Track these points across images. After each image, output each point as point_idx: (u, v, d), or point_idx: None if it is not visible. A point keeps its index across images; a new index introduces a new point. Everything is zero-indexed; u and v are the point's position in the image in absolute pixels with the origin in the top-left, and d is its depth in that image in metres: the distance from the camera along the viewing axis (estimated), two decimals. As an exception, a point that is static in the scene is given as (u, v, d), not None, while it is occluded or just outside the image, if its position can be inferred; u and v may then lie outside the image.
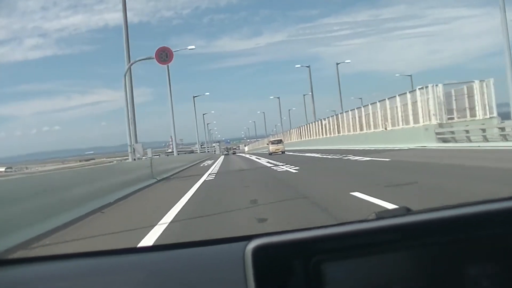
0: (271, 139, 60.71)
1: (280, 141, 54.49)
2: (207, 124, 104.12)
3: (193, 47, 34.20)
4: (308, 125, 63.95)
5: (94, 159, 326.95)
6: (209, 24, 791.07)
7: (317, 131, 56.76)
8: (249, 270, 0.90)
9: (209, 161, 42.93)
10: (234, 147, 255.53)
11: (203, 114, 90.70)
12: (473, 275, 0.92)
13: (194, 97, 66.14)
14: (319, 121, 56.62)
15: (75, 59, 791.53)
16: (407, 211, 1.03)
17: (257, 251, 0.91)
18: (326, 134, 52.85)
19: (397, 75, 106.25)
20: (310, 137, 60.18)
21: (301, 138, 66.59)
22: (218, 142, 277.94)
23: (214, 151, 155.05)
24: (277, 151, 48.96)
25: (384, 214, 1.04)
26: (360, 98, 75.61)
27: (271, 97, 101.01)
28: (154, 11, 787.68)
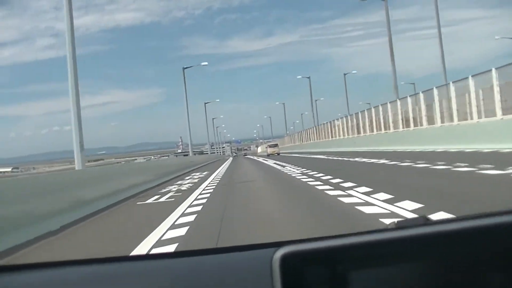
0: (269, 143, 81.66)
1: (276, 145, 74.86)
2: (217, 127, 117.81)
3: (206, 63, 45.61)
4: (320, 126, 66.36)
5: (103, 159, 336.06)
6: (221, 24, 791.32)
7: (338, 131, 54.99)
8: (277, 278, 0.93)
9: (197, 173, 27.32)
10: (245, 148, 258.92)
11: (213, 119, 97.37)
12: (491, 284, 0.96)
13: (205, 103, 74.84)
14: (340, 120, 55.25)
15: (86, 59, 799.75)
16: (426, 221, 1.09)
17: (285, 258, 0.95)
18: (349, 134, 49.04)
19: (402, 83, 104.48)
20: (328, 138, 59.47)
21: (317, 139, 67.02)
22: (229, 142, 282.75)
23: (224, 152, 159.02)
24: (273, 152, 68.51)
25: (404, 223, 1.09)
26: (369, 103, 77.98)
27: (277, 103, 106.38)
28: (166, 11, 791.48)
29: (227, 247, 1.08)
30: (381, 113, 37.65)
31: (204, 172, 28.16)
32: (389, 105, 35.94)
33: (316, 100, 79.91)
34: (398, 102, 34.42)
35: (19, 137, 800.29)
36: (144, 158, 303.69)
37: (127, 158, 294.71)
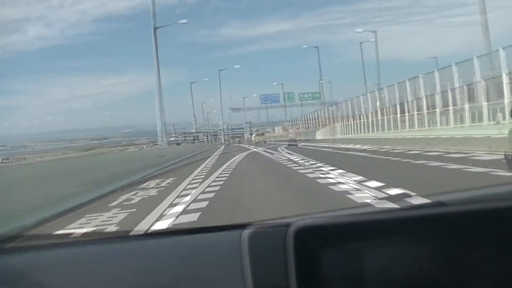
0: (257, 132, 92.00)
1: (262, 134, 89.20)
2: (207, 113, 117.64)
3: (185, 21, 47.09)
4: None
5: (107, 138, 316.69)
6: (214, 12, 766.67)
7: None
8: (290, 254, 0.96)
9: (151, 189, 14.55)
10: (238, 136, 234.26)
11: (202, 103, 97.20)
12: (500, 267, 0.97)
13: (191, 83, 58.44)
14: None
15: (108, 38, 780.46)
16: (441, 205, 1.07)
17: (298, 233, 0.97)
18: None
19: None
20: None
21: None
22: (222, 130, 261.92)
23: (216, 140, 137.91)
24: (260, 140, 74.30)
25: (418, 206, 1.10)
26: (377, 84, 66.46)
27: (275, 83, 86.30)
28: None
29: (241, 224, 1.12)
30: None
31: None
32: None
33: (321, 81, 68.55)
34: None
35: (40, 114, 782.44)
36: (137, 147, 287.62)
37: (119, 148, 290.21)
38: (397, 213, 1.05)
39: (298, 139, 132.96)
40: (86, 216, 9.14)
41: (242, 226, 1.05)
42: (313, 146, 46.31)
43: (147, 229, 6.45)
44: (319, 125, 58.53)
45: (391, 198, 4.20)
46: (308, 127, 66.92)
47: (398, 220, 1.02)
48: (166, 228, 6.67)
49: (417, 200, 1.45)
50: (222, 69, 55.21)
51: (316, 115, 62.46)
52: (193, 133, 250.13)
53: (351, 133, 48.82)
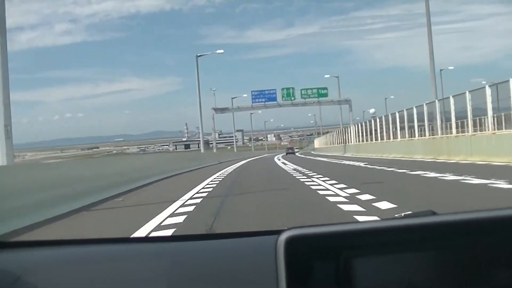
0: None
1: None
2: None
3: (221, 51, 38.72)
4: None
5: (98, 147, 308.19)
6: (241, 13, 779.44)
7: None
8: (281, 261, 0.93)
9: None
10: (260, 138, 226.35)
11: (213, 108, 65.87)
12: (497, 278, 0.95)
13: (197, 56, 39.92)
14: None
15: (105, 46, 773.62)
16: (433, 214, 1.05)
17: (289, 243, 0.94)
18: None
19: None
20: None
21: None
22: (241, 130, 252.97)
23: (237, 140, 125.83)
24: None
25: (410, 215, 1.07)
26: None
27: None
28: None
29: (232, 232, 1.13)
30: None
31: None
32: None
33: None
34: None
35: (33, 122, 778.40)
36: (138, 148, 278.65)
37: (116, 148, 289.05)
38: (389, 222, 1.00)
39: (296, 148, 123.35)
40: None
41: (276, 232, 1.00)
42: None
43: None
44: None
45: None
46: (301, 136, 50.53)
47: (390, 230, 0.99)
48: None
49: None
50: (200, 55, 40.30)
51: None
52: (185, 141, 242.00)
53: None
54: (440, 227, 0.98)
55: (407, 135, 28.55)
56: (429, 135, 24.84)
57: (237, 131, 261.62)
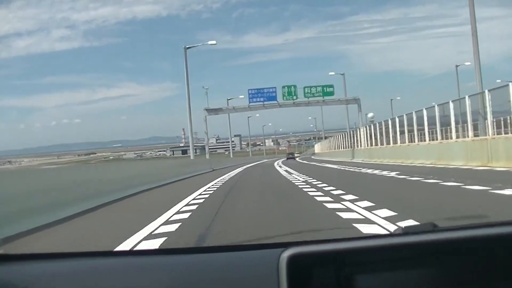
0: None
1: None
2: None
3: (214, 42, 34.31)
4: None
5: (95, 153, 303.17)
6: (238, 18, 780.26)
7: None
8: (283, 278, 0.92)
9: None
10: (258, 143, 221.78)
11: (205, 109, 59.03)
12: None
13: (185, 48, 34.52)
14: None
15: (102, 52, 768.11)
16: (434, 227, 1.04)
17: (292, 259, 0.94)
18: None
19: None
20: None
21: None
22: (239, 135, 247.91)
23: (233, 147, 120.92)
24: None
25: (410, 229, 1.06)
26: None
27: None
28: (184, 5, 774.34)
29: (234, 245, 1.16)
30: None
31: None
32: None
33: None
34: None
35: (30, 128, 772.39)
36: (135, 154, 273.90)
37: (114, 154, 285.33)
38: (391, 239, 1.02)
39: (296, 153, 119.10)
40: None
41: (280, 245, 0.99)
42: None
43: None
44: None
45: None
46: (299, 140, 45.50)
47: (391, 247, 0.99)
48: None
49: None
50: (189, 46, 34.92)
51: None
52: (182, 147, 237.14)
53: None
54: (440, 244, 0.97)
55: (439, 137, 23.13)
56: (472, 136, 19.41)
57: (235, 136, 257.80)
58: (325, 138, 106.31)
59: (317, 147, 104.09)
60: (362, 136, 37.99)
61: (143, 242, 5.79)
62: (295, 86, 41.98)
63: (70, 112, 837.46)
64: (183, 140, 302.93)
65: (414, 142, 26.59)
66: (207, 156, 39.71)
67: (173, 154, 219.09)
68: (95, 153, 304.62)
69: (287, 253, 0.95)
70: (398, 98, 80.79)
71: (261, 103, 42.42)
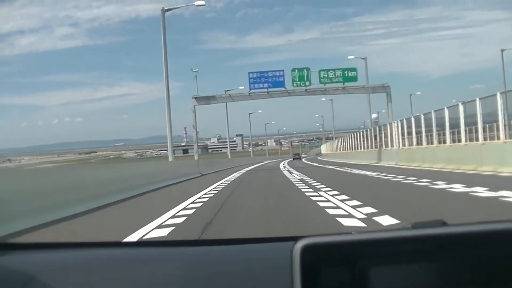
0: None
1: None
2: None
3: (201, 2, 26.63)
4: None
5: (96, 152, 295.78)
6: (242, 19, 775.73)
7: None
8: (297, 269, 0.91)
9: None
10: (260, 143, 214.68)
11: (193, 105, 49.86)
12: None
13: (163, 10, 25.47)
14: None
15: (105, 50, 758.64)
16: (443, 224, 1.04)
17: (305, 250, 0.93)
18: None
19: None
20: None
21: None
22: (241, 135, 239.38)
23: (235, 146, 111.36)
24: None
25: (420, 225, 1.05)
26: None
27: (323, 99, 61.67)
28: (188, 2, 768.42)
29: (248, 238, 1.09)
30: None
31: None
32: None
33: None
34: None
35: (32, 127, 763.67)
36: (135, 153, 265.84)
37: (113, 152, 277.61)
38: (402, 232, 1.00)
39: (303, 154, 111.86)
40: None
41: (293, 239, 0.97)
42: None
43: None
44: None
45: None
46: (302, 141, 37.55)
47: (403, 240, 0.98)
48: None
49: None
50: (168, 9, 25.95)
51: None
52: (183, 146, 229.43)
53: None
54: (451, 238, 0.97)
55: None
56: None
57: (237, 135, 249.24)
58: (328, 138, 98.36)
59: (324, 148, 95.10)
60: (394, 134, 28.85)
61: None
62: (308, 69, 32.21)
63: (72, 110, 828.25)
64: (185, 140, 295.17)
65: (501, 139, 17.57)
66: (196, 157, 30.67)
67: (174, 154, 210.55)
68: (96, 152, 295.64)
69: (300, 244, 0.93)
70: (418, 93, 71.26)
71: (265, 89, 32.66)
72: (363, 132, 40.01)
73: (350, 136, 49.22)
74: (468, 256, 0.96)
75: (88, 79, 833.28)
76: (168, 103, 24.74)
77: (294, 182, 16.00)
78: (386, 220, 6.51)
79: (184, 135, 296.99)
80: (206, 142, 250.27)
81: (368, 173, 19.88)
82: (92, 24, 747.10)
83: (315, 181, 15.55)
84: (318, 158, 78.70)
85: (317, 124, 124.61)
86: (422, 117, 24.60)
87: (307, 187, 13.48)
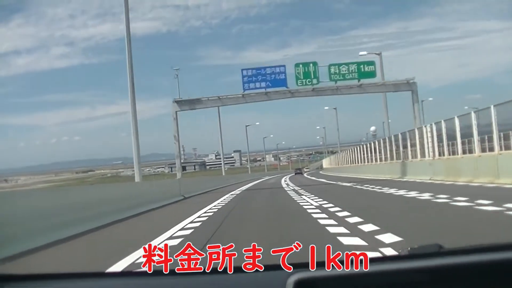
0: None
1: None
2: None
3: None
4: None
5: (93, 170, 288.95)
6: (237, 34, 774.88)
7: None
8: None
9: None
10: (258, 159, 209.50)
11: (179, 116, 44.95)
12: None
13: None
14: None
15: (101, 68, 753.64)
16: (439, 248, 1.01)
17: (298, 285, 0.91)
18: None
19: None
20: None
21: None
22: (239, 151, 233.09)
23: (233, 163, 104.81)
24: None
25: (417, 250, 1.02)
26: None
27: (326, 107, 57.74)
28: (183, 21, 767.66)
29: (241, 268, 1.06)
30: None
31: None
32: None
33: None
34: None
35: (30, 146, 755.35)
36: (133, 171, 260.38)
37: (116, 170, 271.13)
38: (398, 264, 0.97)
39: (305, 168, 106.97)
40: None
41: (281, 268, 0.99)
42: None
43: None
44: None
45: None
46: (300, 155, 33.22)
47: (399, 272, 0.95)
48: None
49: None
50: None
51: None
52: (181, 163, 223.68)
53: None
54: (448, 269, 0.93)
55: None
56: None
57: (234, 151, 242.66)
58: (331, 152, 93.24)
59: (327, 161, 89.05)
60: (425, 141, 22.71)
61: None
62: (315, 64, 25.94)
63: (70, 129, 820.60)
64: (183, 157, 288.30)
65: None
66: (178, 176, 24.52)
67: (171, 171, 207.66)
68: (94, 170, 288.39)
69: (294, 277, 0.92)
70: (430, 99, 65.47)
71: (263, 89, 26.19)
72: (376, 142, 33.89)
73: (358, 148, 43.12)
74: (463, 285, 0.92)
75: (85, 98, 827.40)
76: (133, 96, 18.68)
77: (314, 215, 9.91)
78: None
79: (182, 152, 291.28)
80: (204, 158, 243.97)
81: (412, 193, 13.71)
82: (88, 43, 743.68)
83: (339, 209, 9.55)
84: (320, 172, 72.92)
85: (318, 137, 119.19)
86: (456, 121, 18.64)
87: (340, 226, 7.41)
